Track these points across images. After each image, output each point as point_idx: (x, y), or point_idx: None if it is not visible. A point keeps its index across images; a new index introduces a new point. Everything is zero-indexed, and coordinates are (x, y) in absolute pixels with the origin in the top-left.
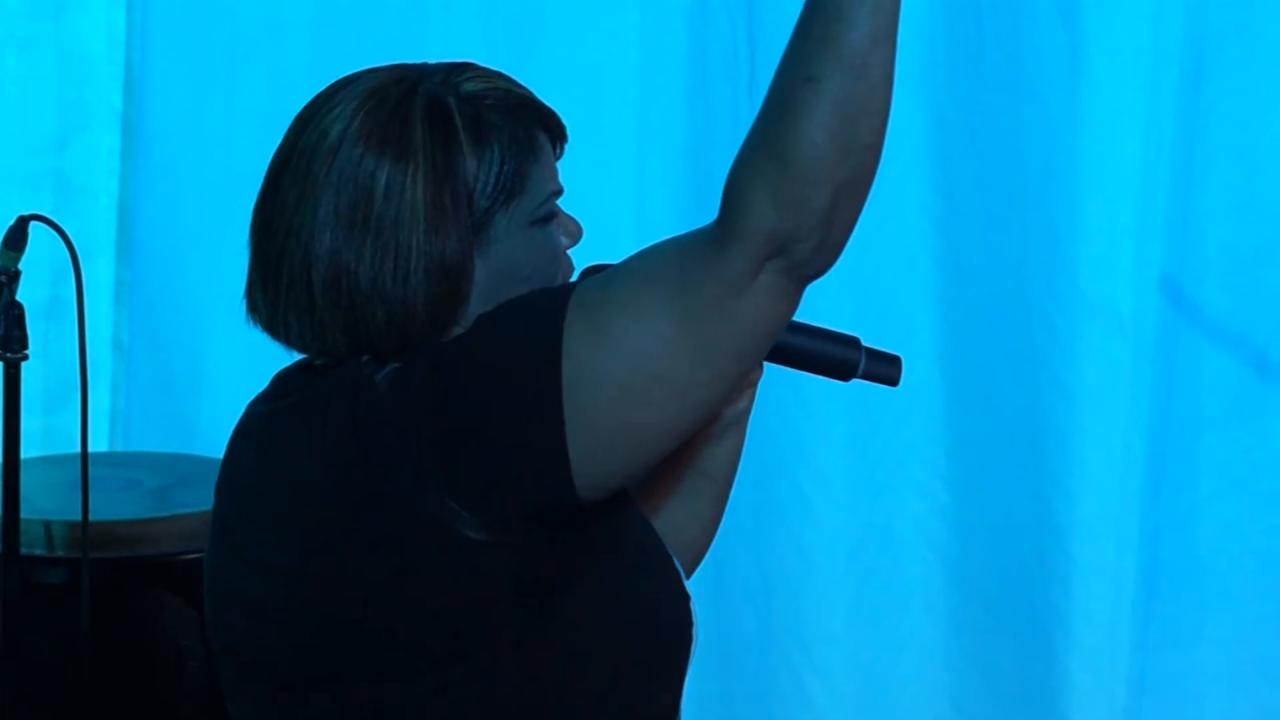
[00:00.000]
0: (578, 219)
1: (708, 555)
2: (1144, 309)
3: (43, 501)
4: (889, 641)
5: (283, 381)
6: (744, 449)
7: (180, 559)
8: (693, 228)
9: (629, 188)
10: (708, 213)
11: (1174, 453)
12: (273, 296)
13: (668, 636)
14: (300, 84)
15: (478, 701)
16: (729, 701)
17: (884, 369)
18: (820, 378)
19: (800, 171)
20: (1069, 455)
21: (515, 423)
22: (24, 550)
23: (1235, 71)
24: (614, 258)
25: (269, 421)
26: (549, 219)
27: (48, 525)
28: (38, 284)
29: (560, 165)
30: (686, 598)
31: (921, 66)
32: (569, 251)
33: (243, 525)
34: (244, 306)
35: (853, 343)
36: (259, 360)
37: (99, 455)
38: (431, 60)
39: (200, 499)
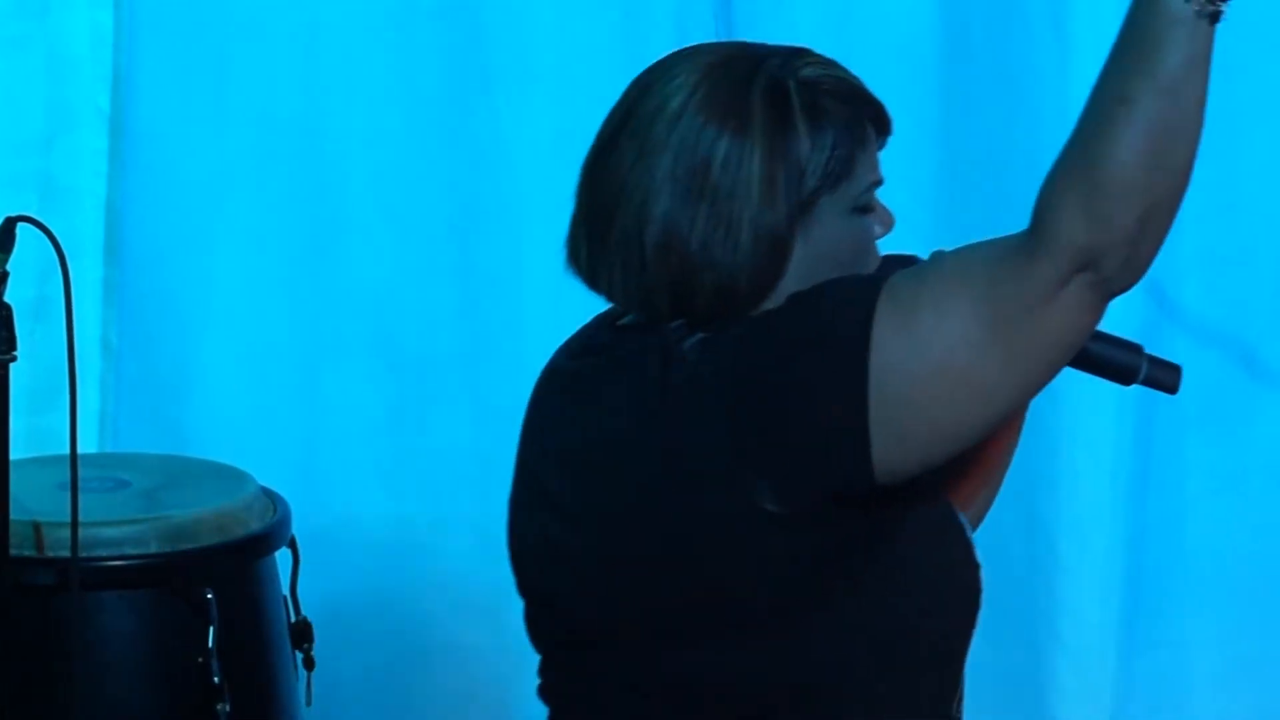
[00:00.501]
0: (891, 211)
1: None
2: (1129, 310)
3: (30, 502)
4: None
5: (589, 338)
6: None
7: (171, 559)
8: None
9: None
10: None
11: (1160, 454)
12: (599, 251)
13: (956, 611)
14: (291, 86)
15: (764, 668)
16: None
17: (1165, 375)
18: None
19: (1111, 190)
20: (1056, 456)
21: (820, 406)
22: (12, 551)
23: (1216, 72)
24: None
25: (577, 377)
26: (867, 208)
27: (37, 526)
28: (23, 284)
29: (546, 161)
30: (977, 567)
31: (915, 66)
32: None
33: (549, 474)
34: (564, 255)
35: (1136, 349)
36: (248, 361)
37: (87, 456)
38: None
39: (190, 500)
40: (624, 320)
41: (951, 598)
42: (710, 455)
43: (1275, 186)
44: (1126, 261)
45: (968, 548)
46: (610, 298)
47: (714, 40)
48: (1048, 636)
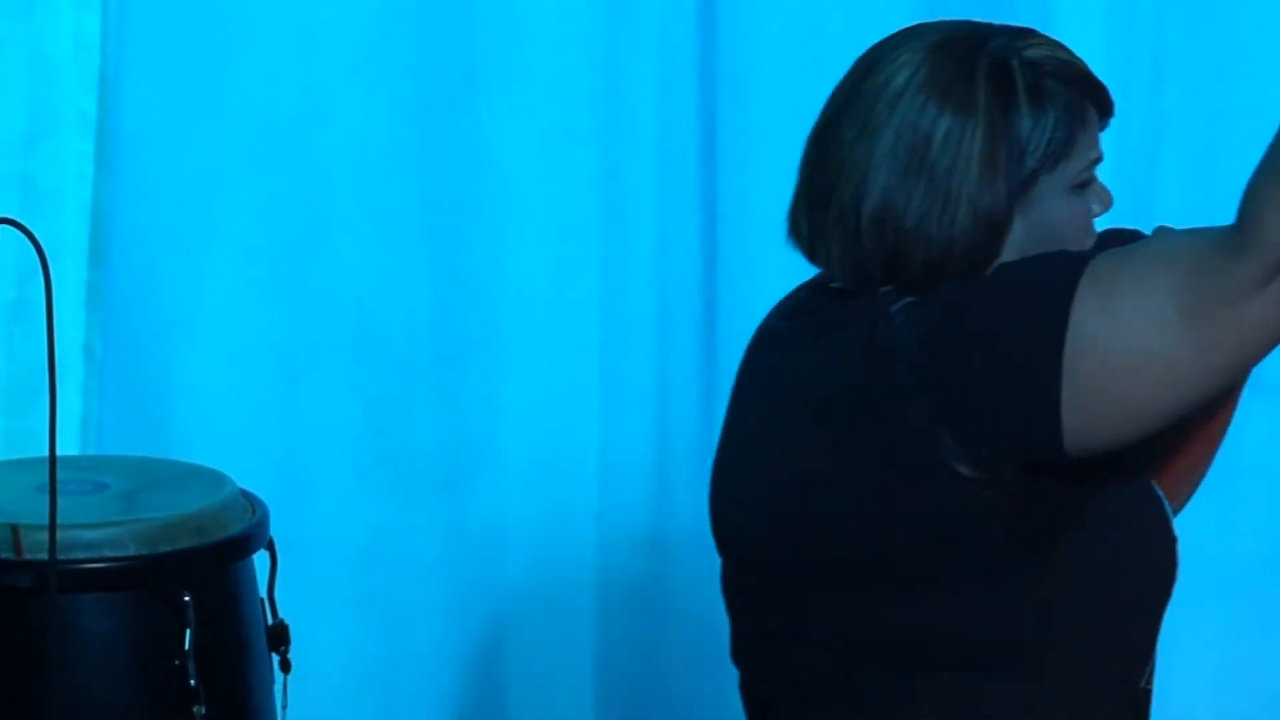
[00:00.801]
0: (1109, 190)
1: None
2: None
3: (9, 505)
4: None
5: (800, 300)
6: None
7: (148, 562)
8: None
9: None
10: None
11: None
12: (819, 224)
13: (1150, 583)
14: (277, 90)
15: (955, 627)
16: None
17: None
18: None
19: None
20: None
21: (1016, 378)
22: None
23: (1191, 77)
24: (567, 254)
25: (787, 336)
26: (1086, 185)
27: (15, 529)
28: (3, 286)
29: (531, 165)
30: (1174, 540)
31: None
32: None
33: (754, 431)
34: (786, 228)
35: None
36: (230, 364)
37: (66, 459)
38: None
39: (168, 502)
40: (835, 284)
41: (1147, 570)
42: (909, 417)
43: None
44: None
45: (1166, 523)
46: (828, 269)
47: (943, 20)
48: None
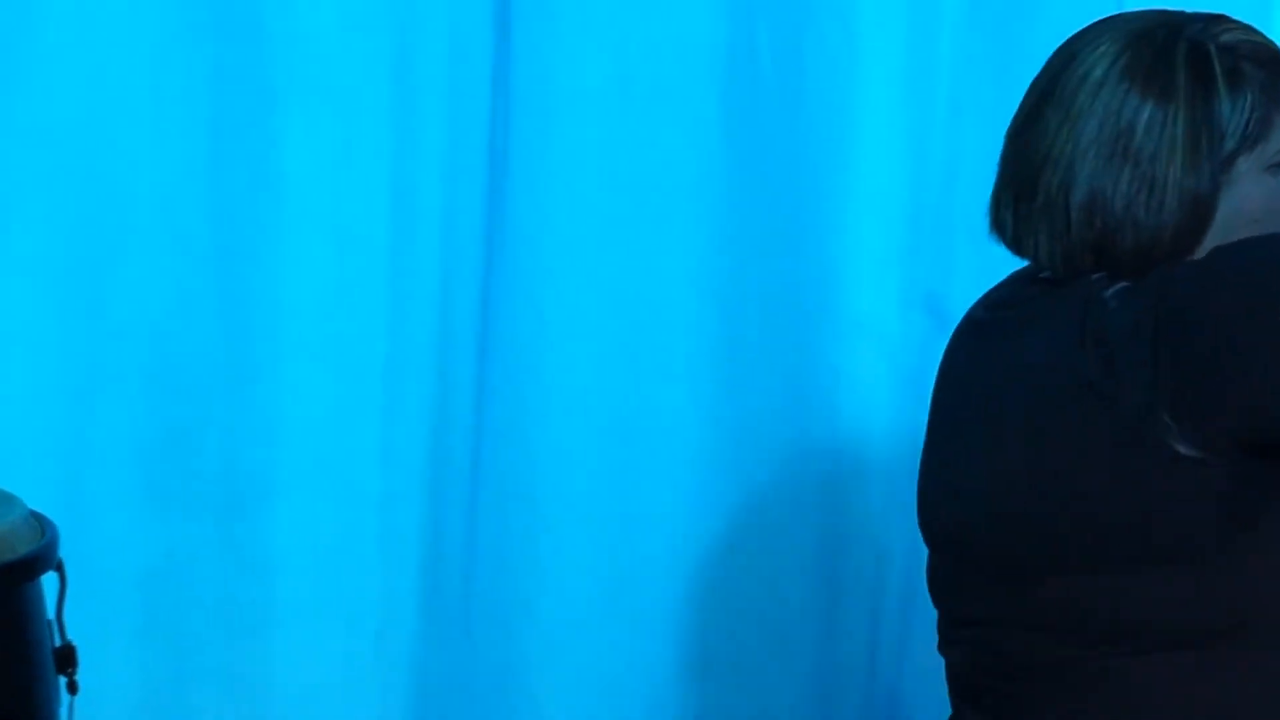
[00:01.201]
0: None
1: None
2: (909, 326)
3: None
4: None
5: (1008, 291)
6: None
7: None
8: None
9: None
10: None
11: None
12: (1025, 215)
13: None
14: (65, 104)
15: (1169, 604)
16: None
17: None
18: None
19: None
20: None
21: (1240, 356)
22: None
23: (991, 94)
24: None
25: (996, 328)
26: None
27: None
28: None
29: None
30: None
31: (706, 81)
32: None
33: (963, 417)
34: (988, 222)
35: None
36: (20, 383)
37: None
38: None
39: None
40: (1043, 274)
41: None
42: (1127, 400)
43: None
44: None
45: None
46: (1035, 259)
47: (1137, 10)
48: None
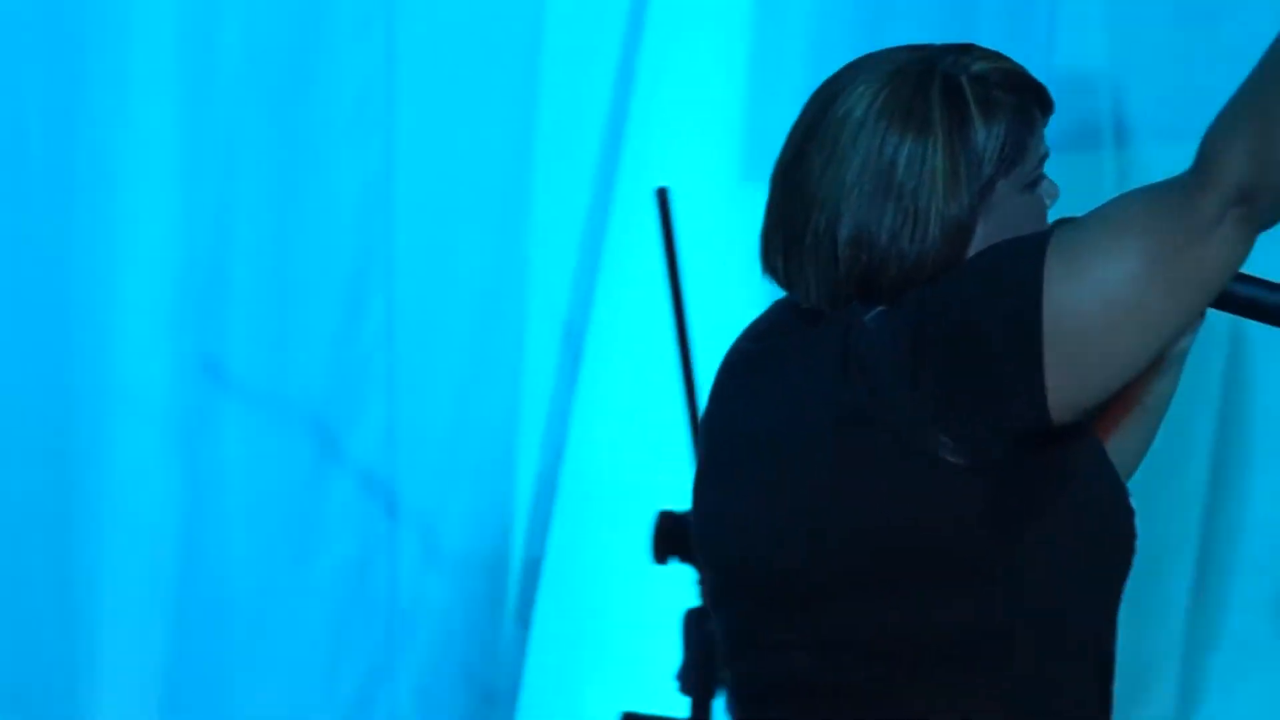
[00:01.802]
0: (1056, 182)
1: None
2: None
3: None
4: None
5: (771, 321)
6: None
7: None
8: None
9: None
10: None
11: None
12: (795, 255)
13: (1119, 550)
14: None
15: (953, 615)
16: None
17: None
18: None
19: (1274, 133)
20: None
21: (998, 353)
22: None
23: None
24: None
25: (760, 355)
26: (1037, 182)
27: None
28: None
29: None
30: (1132, 513)
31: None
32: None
33: (738, 450)
34: (760, 264)
35: None
36: None
37: None
38: None
39: None
40: (806, 305)
41: (1111, 543)
42: (892, 414)
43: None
44: (1278, 200)
45: (1124, 492)
46: (805, 297)
47: (889, 48)
48: None
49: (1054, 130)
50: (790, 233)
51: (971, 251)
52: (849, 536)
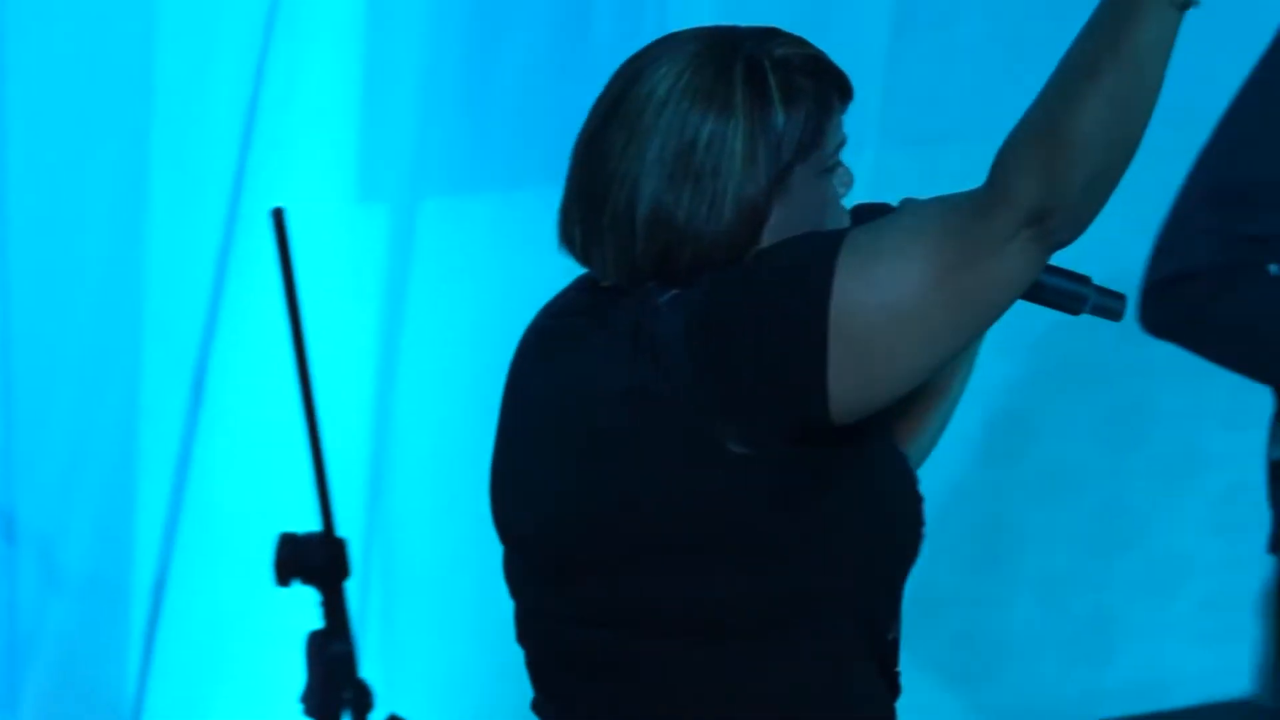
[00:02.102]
0: (851, 170)
1: None
2: None
3: None
4: None
5: (569, 299)
6: None
7: None
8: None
9: None
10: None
11: None
12: (593, 230)
13: (903, 537)
14: None
15: (731, 596)
16: None
17: (1112, 303)
18: None
19: (1070, 155)
20: None
21: (783, 350)
22: None
23: None
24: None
25: (557, 332)
26: (833, 169)
27: None
28: None
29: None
30: (920, 500)
31: None
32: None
33: (529, 422)
34: (558, 235)
35: (1084, 279)
36: None
37: None
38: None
39: None
40: (605, 282)
41: (898, 529)
42: (678, 399)
43: None
44: (1072, 220)
45: (912, 480)
46: (602, 271)
47: (694, 28)
48: None
49: None
50: (589, 207)
51: (766, 235)
52: (634, 513)
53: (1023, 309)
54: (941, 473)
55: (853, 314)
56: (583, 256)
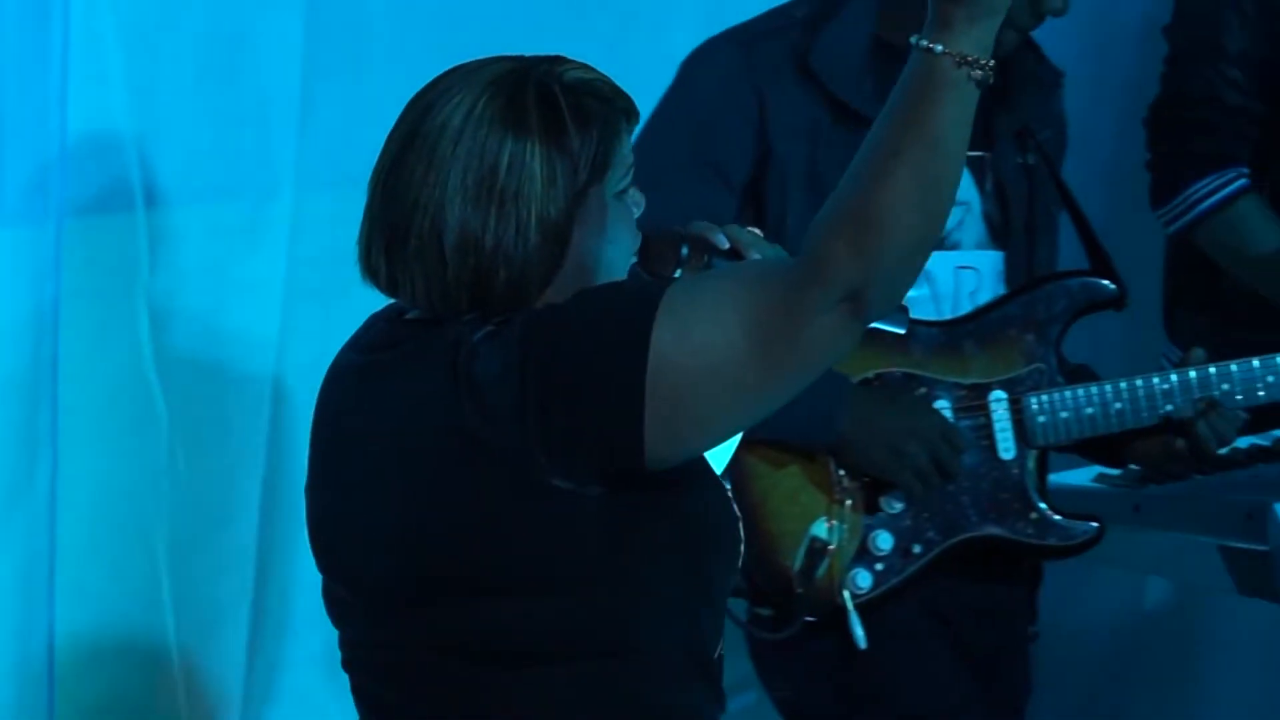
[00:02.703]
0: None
1: None
2: None
3: None
4: None
5: (375, 334)
6: None
7: None
8: None
9: None
10: None
11: None
12: (399, 260)
13: (726, 561)
14: None
15: (559, 624)
16: None
17: (895, 319)
18: None
19: (878, 231)
20: None
21: (602, 400)
22: None
23: None
24: None
25: (368, 370)
26: (625, 191)
27: None
28: None
29: None
30: (738, 519)
31: None
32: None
33: (346, 460)
34: (360, 268)
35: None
36: None
37: None
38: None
39: None
40: (410, 315)
41: (720, 550)
42: (501, 440)
43: None
44: (886, 293)
45: (731, 505)
46: (411, 301)
47: (481, 59)
48: None
49: (82, 194)
50: (392, 237)
51: (570, 256)
52: (460, 548)
53: None
54: None
55: (669, 373)
56: (389, 287)
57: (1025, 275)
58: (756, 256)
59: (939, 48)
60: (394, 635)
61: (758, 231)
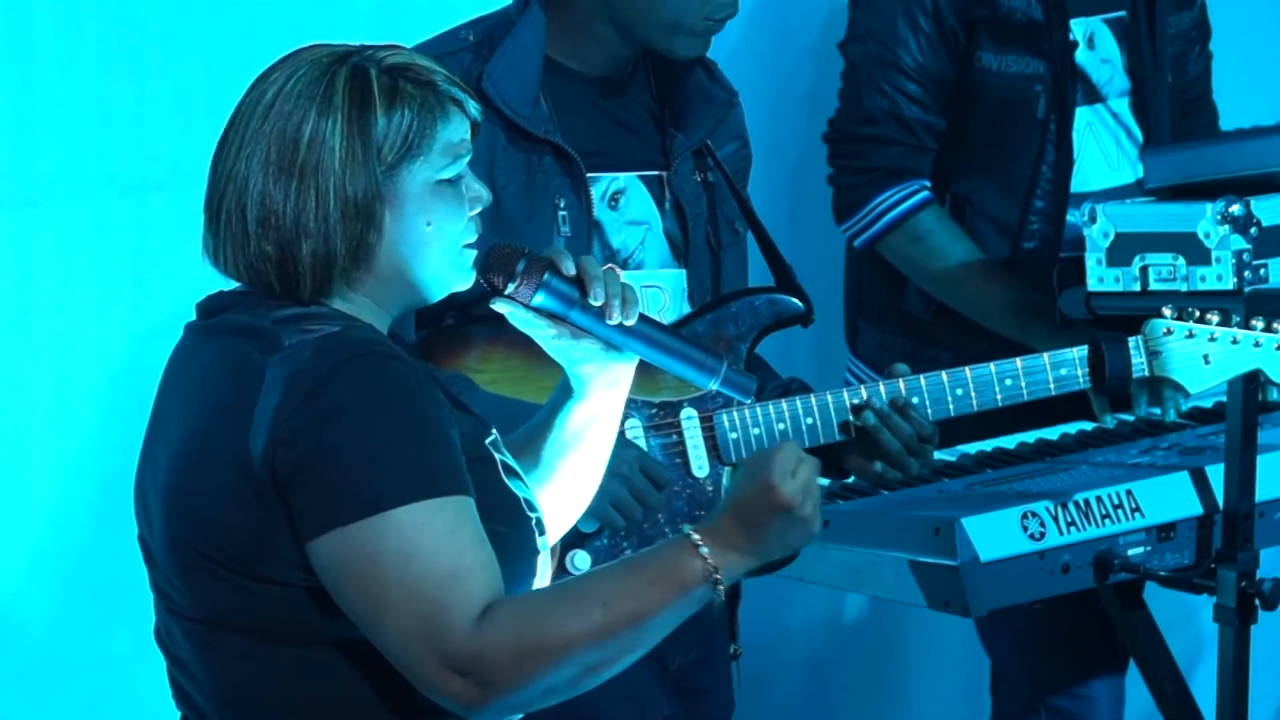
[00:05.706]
0: (485, 188)
1: None
2: None
3: None
4: None
5: (217, 298)
6: None
7: None
8: None
9: None
10: None
11: None
12: (215, 234)
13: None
14: None
15: (286, 604)
16: None
17: (742, 381)
18: None
19: (546, 660)
20: None
21: (317, 490)
22: None
23: None
24: None
25: (196, 335)
26: (454, 181)
27: None
28: None
29: None
30: (537, 534)
31: None
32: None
33: (153, 433)
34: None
35: (718, 355)
36: None
37: None
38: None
39: None
40: (234, 286)
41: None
42: (252, 452)
43: None
44: (515, 705)
45: (529, 523)
46: (227, 274)
47: (317, 43)
48: None
49: None
50: (211, 212)
51: (385, 237)
52: (195, 529)
53: None
54: None
55: (363, 544)
56: (213, 261)
57: (713, 293)
58: (599, 290)
59: (705, 550)
60: (170, 603)
61: (614, 267)
